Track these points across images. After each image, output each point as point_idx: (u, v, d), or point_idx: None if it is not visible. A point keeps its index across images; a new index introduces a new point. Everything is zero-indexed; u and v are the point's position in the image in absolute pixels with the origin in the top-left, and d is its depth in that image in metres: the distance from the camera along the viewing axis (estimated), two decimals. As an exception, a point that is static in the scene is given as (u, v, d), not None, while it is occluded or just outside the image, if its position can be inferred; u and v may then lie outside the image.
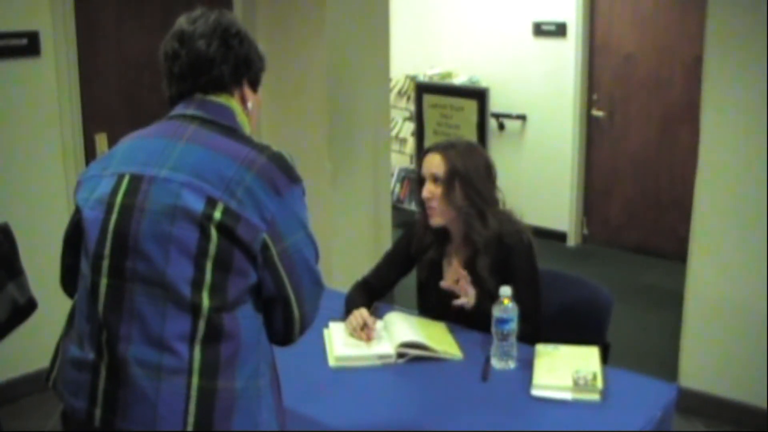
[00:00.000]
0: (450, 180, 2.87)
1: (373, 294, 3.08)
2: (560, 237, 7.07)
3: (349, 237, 5.09)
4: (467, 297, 2.81)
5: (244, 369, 1.83)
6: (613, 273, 6.27)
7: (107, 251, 1.83)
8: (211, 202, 1.78)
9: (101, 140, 4.54)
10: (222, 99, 1.96)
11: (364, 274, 3.17)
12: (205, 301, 1.78)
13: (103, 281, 1.83)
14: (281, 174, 1.86)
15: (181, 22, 1.98)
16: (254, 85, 2.05)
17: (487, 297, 2.74)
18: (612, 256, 6.81)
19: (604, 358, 2.83)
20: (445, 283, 2.88)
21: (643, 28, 6.46)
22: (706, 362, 4.19)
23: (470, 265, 2.90)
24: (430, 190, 2.90)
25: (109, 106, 4.60)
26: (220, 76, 1.95)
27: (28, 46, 4.21)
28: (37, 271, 3.92)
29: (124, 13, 4.60)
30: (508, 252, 2.88)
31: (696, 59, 5.08)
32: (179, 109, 1.96)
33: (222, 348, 1.80)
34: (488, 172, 2.96)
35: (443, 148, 2.94)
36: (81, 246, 1.93)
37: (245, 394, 1.83)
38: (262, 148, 1.88)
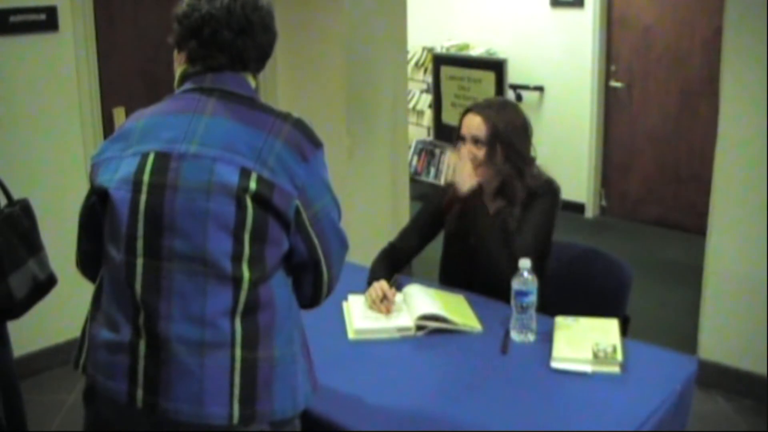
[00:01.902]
0: (492, 142, 2.91)
1: (398, 261, 3.09)
2: (578, 208, 7.05)
3: (367, 210, 5.08)
4: (463, 179, 2.88)
5: (280, 337, 1.88)
6: (631, 246, 6.26)
7: (140, 231, 1.83)
8: (246, 173, 1.80)
9: (119, 114, 4.56)
10: (242, 75, 1.96)
11: (383, 245, 3.17)
12: (246, 274, 1.81)
13: (139, 261, 1.84)
14: (306, 140, 1.89)
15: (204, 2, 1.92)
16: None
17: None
18: (630, 229, 6.79)
19: (624, 332, 2.83)
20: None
21: (662, 0, 6.40)
22: (726, 335, 4.18)
23: (501, 215, 2.95)
24: (471, 150, 2.92)
25: (127, 80, 4.61)
26: (244, 62, 1.94)
27: (46, 20, 4.22)
28: (57, 247, 3.92)
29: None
30: (533, 197, 2.94)
31: (715, 31, 5.03)
32: (194, 82, 1.93)
33: (260, 318, 1.84)
34: (525, 130, 3.01)
35: (483, 109, 2.97)
36: (100, 229, 1.93)
37: (282, 362, 1.87)
38: (285, 116, 1.91)
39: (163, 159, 1.84)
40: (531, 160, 3.01)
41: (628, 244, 6.33)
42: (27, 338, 4.36)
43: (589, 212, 7.06)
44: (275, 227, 1.84)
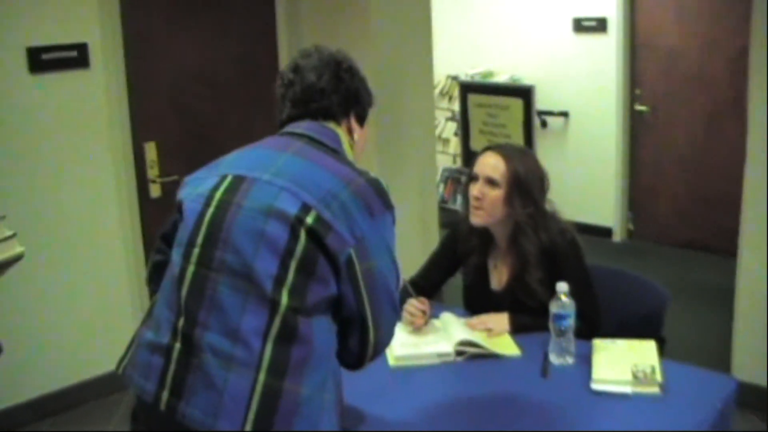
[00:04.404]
0: (512, 186, 2.83)
1: (421, 294, 3.03)
2: (605, 233, 7.05)
3: (397, 238, 5.08)
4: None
5: (313, 377, 1.86)
6: (660, 268, 6.23)
7: (200, 240, 1.93)
8: (305, 208, 1.86)
9: (150, 149, 4.60)
10: (330, 125, 2.10)
11: (411, 275, 3.18)
12: (284, 299, 1.83)
13: (191, 268, 1.93)
14: (377, 198, 1.95)
15: (296, 56, 2.18)
16: (361, 120, 2.19)
17: (540, 310, 2.71)
18: (658, 252, 6.77)
19: (661, 353, 2.83)
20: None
21: (686, 21, 6.41)
22: (760, 355, 4.14)
23: (520, 277, 2.89)
24: (480, 189, 2.86)
25: (159, 115, 4.65)
26: (330, 106, 2.10)
27: (77, 57, 4.28)
28: (90, 279, 4.00)
29: (173, 22, 4.65)
30: (555, 255, 2.85)
31: (741, 51, 5.03)
32: (289, 128, 2.11)
33: (294, 350, 1.84)
34: (542, 182, 2.91)
35: (504, 151, 2.91)
36: (172, 240, 2.02)
37: (310, 404, 1.85)
38: (362, 172, 1.99)
39: (238, 181, 1.96)
40: (546, 214, 2.90)
41: (656, 266, 6.31)
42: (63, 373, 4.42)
43: (617, 236, 7.05)
44: (325, 266, 1.87)
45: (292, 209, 1.86)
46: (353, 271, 1.89)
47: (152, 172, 4.63)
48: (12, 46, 4.08)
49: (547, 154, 6.65)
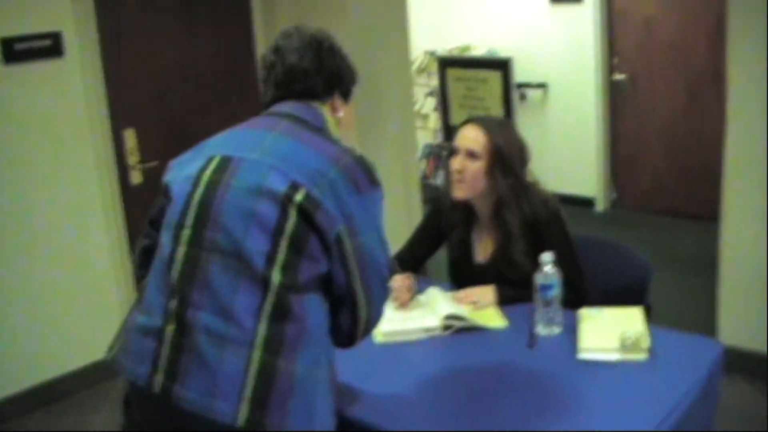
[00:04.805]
0: (492, 158, 2.82)
1: (405, 270, 3.04)
2: (588, 203, 7.07)
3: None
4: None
5: (307, 355, 1.87)
6: (644, 237, 6.27)
7: (190, 221, 1.93)
8: (294, 186, 1.87)
9: (130, 136, 4.58)
10: (314, 104, 2.11)
11: (396, 251, 3.17)
12: (276, 277, 1.84)
13: (181, 249, 1.93)
14: (364, 174, 1.96)
15: (277, 37, 2.16)
16: (345, 96, 2.20)
17: (526, 281, 2.71)
18: (641, 221, 6.80)
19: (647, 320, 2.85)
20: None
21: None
22: (744, 319, 4.19)
23: (503, 249, 2.90)
24: (461, 162, 2.85)
25: (137, 102, 4.62)
26: (313, 86, 2.11)
27: (51, 46, 4.24)
28: (74, 267, 3.96)
29: (148, 8, 4.62)
30: (538, 227, 2.85)
31: (719, 20, 5.04)
32: (275, 108, 2.11)
33: (287, 328, 1.84)
34: (522, 153, 2.91)
35: (484, 124, 2.89)
36: (161, 224, 2.02)
37: (304, 382, 1.85)
38: (347, 150, 1.99)
39: (225, 162, 1.97)
40: (527, 186, 2.89)
41: (639, 235, 6.35)
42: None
43: (599, 206, 7.08)
44: (315, 243, 1.88)
45: (281, 187, 1.87)
46: (343, 249, 1.91)
47: (132, 158, 4.62)
48: (-16, 37, 4.04)
49: (526, 126, 6.65)
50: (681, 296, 5.15)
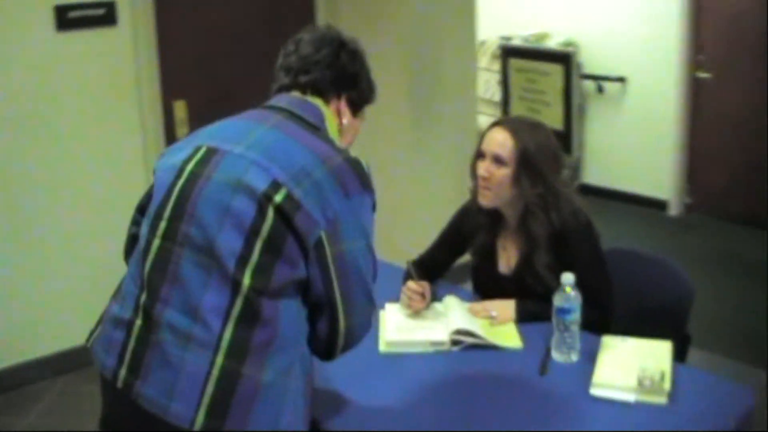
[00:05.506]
0: (520, 165, 2.62)
1: (428, 274, 2.86)
2: (660, 205, 6.78)
3: (433, 205, 4.95)
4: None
5: (276, 362, 1.78)
6: (715, 245, 5.97)
7: (167, 213, 1.88)
8: (275, 185, 1.78)
9: (179, 107, 4.52)
10: (316, 101, 2.02)
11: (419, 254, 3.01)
12: (247, 280, 1.76)
13: (156, 242, 1.87)
14: (354, 177, 1.86)
15: (303, 30, 2.13)
16: (354, 107, 2.11)
17: (549, 297, 2.48)
18: (715, 227, 6.46)
19: (683, 353, 2.62)
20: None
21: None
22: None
23: (528, 260, 2.71)
24: (488, 168, 2.66)
25: (188, 73, 4.56)
26: (320, 79, 2.03)
27: (104, 15, 4.22)
28: (116, 241, 3.88)
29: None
30: (566, 238, 2.65)
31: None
32: (273, 101, 2.04)
33: (255, 333, 1.76)
34: (556, 158, 2.71)
35: (512, 126, 2.69)
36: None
37: (271, 390, 1.77)
38: (341, 150, 1.89)
39: (210, 153, 1.90)
40: (558, 194, 2.68)
41: (711, 243, 6.04)
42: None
43: (672, 209, 6.77)
44: (293, 246, 1.78)
45: (260, 185, 1.78)
46: (322, 254, 1.81)
47: (181, 130, 4.54)
48: (39, 4, 4.05)
49: (601, 120, 6.46)
50: (753, 313, 4.80)
